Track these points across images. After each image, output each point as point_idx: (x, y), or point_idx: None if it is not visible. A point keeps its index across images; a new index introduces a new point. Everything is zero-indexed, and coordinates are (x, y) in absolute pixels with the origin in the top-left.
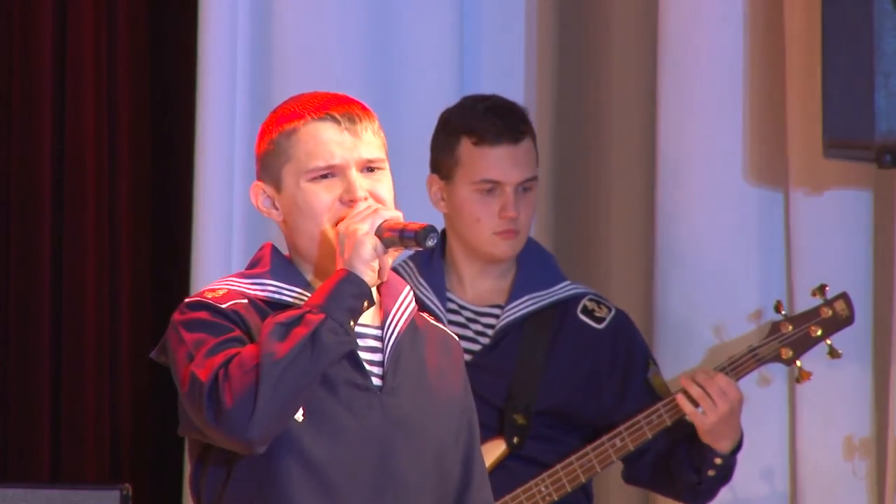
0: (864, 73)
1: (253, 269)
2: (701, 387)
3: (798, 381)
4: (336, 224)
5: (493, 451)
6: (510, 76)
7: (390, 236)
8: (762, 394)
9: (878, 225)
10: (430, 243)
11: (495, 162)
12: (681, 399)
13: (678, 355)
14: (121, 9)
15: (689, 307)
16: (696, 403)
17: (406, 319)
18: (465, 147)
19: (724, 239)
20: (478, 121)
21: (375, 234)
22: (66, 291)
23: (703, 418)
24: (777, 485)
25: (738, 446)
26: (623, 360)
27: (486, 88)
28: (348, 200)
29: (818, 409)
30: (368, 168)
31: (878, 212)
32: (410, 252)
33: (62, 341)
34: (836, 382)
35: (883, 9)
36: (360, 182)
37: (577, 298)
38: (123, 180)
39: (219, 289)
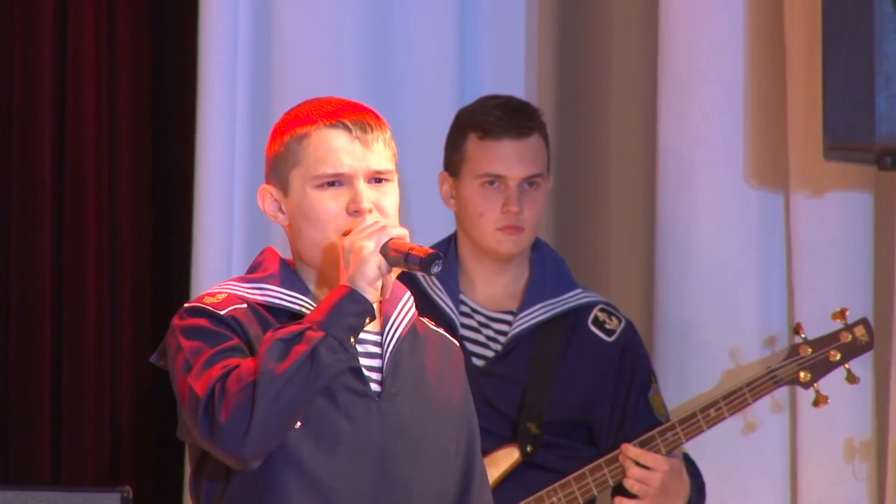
0: (864, 75)
1: (254, 272)
2: (631, 475)
3: (815, 404)
4: (342, 234)
5: (507, 458)
6: (510, 76)
7: (396, 256)
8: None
9: (878, 227)
10: (436, 270)
11: (499, 156)
12: (619, 501)
13: (679, 355)
14: (121, 9)
15: (689, 308)
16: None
17: (406, 325)
18: (471, 142)
19: (724, 241)
20: (485, 116)
21: (381, 251)
22: (66, 292)
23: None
24: (778, 486)
25: (692, 495)
26: (628, 378)
27: (486, 88)
28: (354, 211)
29: (819, 411)
30: (376, 179)
31: (879, 214)
32: None
33: (62, 342)
34: (837, 385)
35: (883, 11)
36: (367, 193)
37: (588, 308)
38: (124, 180)
39: (219, 293)
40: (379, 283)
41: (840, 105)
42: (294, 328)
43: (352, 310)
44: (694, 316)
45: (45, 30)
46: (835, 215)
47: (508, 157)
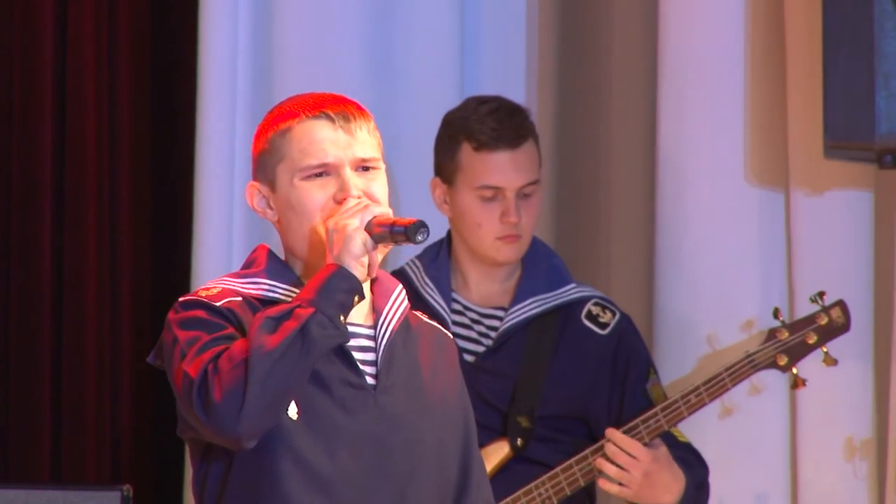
0: (864, 74)
1: (247, 269)
2: (612, 461)
3: (794, 388)
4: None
5: (497, 453)
6: (510, 76)
7: (380, 232)
8: (763, 395)
9: (878, 225)
10: (420, 238)
11: (495, 167)
12: (602, 483)
13: (679, 354)
14: (121, 9)
15: (690, 307)
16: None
17: (399, 319)
18: (466, 152)
19: (724, 239)
20: (478, 125)
21: (365, 229)
22: (66, 291)
23: (627, 491)
24: (778, 486)
25: (688, 491)
26: (623, 369)
27: (486, 88)
28: (342, 199)
29: (819, 410)
30: (363, 167)
31: (879, 212)
32: (419, 251)
33: (63, 341)
34: (837, 383)
35: (884, 10)
36: (355, 181)
37: (582, 302)
38: (124, 180)
39: (213, 287)
40: (365, 260)
41: (840, 104)
42: (284, 307)
43: (340, 286)
44: (694, 315)
45: (45, 30)
46: (835, 214)
47: (505, 169)
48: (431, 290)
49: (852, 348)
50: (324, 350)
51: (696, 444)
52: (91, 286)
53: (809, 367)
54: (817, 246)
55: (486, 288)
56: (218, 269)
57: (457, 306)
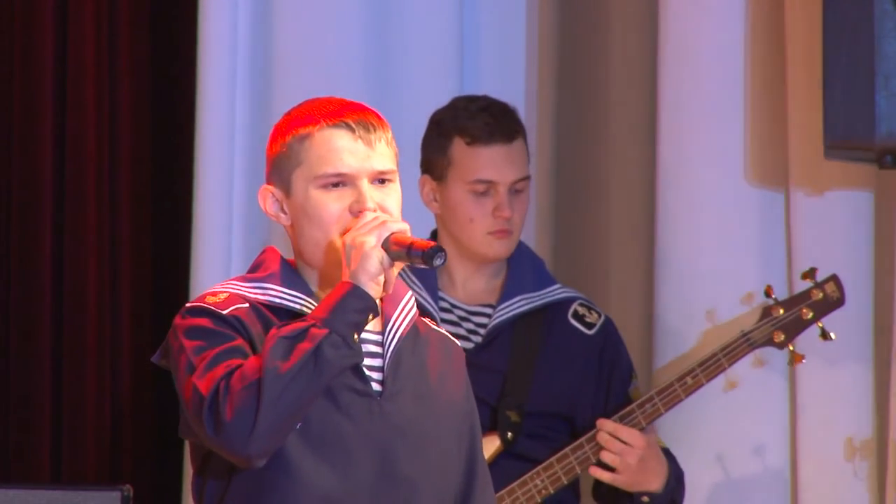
0: (864, 74)
1: (255, 272)
2: (609, 450)
3: (791, 364)
4: (343, 234)
5: (488, 447)
6: (510, 76)
7: (397, 250)
8: (763, 394)
9: (878, 226)
10: (438, 262)
11: (489, 161)
12: (594, 470)
13: (678, 356)
14: (121, 9)
15: (688, 308)
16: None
17: (407, 325)
18: (458, 147)
19: (724, 240)
20: (470, 121)
21: (382, 246)
22: (66, 291)
23: (621, 478)
24: (778, 485)
25: (670, 480)
26: (608, 370)
27: (487, 88)
28: (357, 211)
29: (819, 410)
30: (380, 180)
31: (879, 213)
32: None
33: (63, 341)
34: (837, 383)
35: (884, 10)
36: (371, 193)
37: (567, 302)
38: (124, 180)
39: (220, 292)
40: (381, 278)
41: (840, 104)
42: (298, 325)
43: (355, 306)
44: (694, 315)
45: (45, 30)
46: (835, 214)
47: (499, 163)
48: (419, 287)
49: (852, 347)
50: (336, 371)
51: (696, 444)
52: (91, 286)
53: (810, 366)
54: (817, 246)
55: (472, 286)
56: (218, 269)
57: (444, 304)
